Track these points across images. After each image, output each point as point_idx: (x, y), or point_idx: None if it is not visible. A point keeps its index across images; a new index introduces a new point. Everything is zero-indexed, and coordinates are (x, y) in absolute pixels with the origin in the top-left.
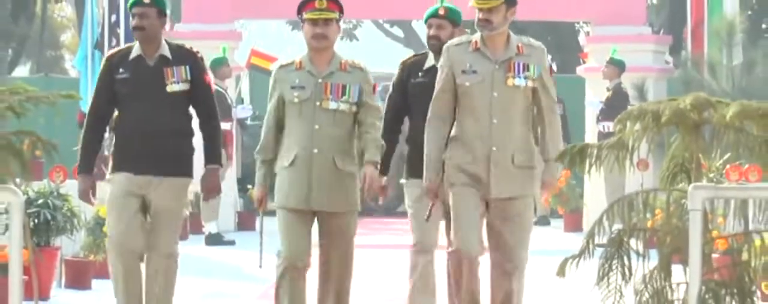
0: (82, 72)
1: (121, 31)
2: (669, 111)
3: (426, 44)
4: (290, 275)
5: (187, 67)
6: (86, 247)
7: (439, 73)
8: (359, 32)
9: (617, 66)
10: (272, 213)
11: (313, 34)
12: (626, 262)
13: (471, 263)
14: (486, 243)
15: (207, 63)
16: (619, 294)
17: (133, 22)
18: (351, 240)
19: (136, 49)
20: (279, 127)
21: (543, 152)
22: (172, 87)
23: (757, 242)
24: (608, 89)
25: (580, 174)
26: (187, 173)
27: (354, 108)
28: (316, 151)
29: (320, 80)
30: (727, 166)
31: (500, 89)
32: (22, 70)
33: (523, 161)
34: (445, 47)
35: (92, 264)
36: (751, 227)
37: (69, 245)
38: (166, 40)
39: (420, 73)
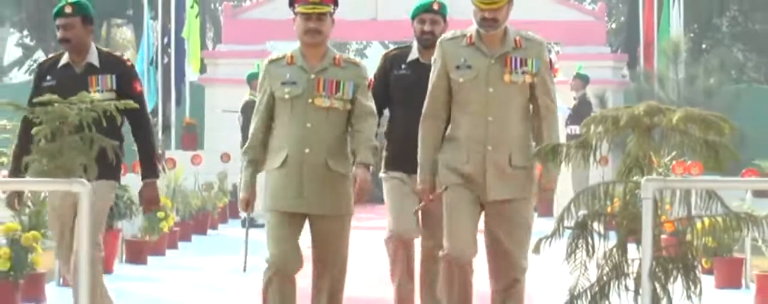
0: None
1: (172, 50)
2: (626, 116)
3: (416, 40)
4: (277, 280)
5: (113, 77)
6: (143, 229)
7: (432, 68)
8: (369, 51)
9: (582, 79)
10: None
11: (306, 29)
12: (590, 241)
13: (463, 268)
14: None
15: (244, 77)
16: (584, 268)
17: (58, 33)
18: (345, 245)
19: (66, 57)
20: (267, 126)
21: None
22: (95, 96)
23: (699, 225)
24: (575, 99)
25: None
26: (114, 177)
27: (348, 106)
28: (307, 151)
29: (313, 76)
30: (674, 162)
31: (496, 85)
32: None
33: (520, 161)
34: (438, 42)
35: (148, 243)
36: (693, 212)
37: (128, 228)
38: (98, 47)
39: (402, 66)
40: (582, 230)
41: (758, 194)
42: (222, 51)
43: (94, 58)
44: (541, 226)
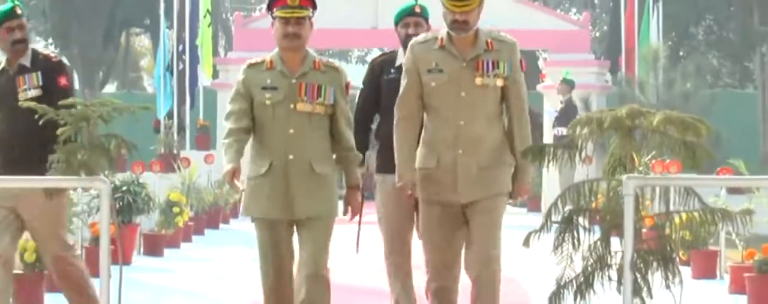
0: (156, 89)
1: (187, 57)
2: (609, 119)
3: (402, 44)
4: (275, 296)
5: (39, 73)
6: (159, 223)
7: (403, 72)
8: (370, 57)
9: (568, 84)
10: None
11: (285, 34)
12: (575, 235)
13: (448, 294)
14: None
15: None
16: (570, 260)
17: (13, 35)
18: (326, 246)
19: (2, 62)
20: (249, 116)
21: (513, 152)
22: (24, 94)
23: (677, 220)
24: (561, 102)
25: (539, 168)
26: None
27: (330, 110)
28: (291, 157)
29: (294, 81)
30: (653, 161)
31: (468, 89)
32: (110, 88)
33: (491, 162)
34: (409, 45)
35: (164, 237)
36: (671, 208)
37: (146, 222)
38: (33, 49)
39: (392, 70)
40: (568, 224)
41: (732, 190)
42: (233, 58)
43: (27, 60)
44: (530, 221)
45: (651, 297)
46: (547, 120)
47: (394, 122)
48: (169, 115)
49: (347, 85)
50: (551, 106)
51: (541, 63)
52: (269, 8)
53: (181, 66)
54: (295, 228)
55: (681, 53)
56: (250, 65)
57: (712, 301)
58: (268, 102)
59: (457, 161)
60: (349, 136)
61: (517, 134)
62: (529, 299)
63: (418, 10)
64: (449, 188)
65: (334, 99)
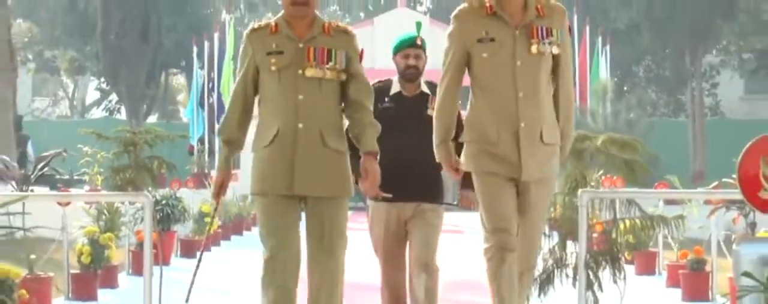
0: (190, 119)
1: (215, 92)
2: None
3: (399, 74)
4: (276, 287)
5: None
6: (193, 231)
7: (447, 45)
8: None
9: None
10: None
11: (293, 1)
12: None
13: (508, 258)
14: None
15: None
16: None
17: None
18: (343, 230)
19: None
20: (246, 104)
21: (562, 126)
22: None
23: (622, 226)
24: None
25: None
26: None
27: (342, 76)
28: (301, 125)
29: (301, 45)
30: (603, 177)
31: (523, 58)
32: (152, 118)
33: (550, 138)
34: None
35: (197, 241)
36: (618, 216)
37: (182, 230)
38: None
39: (386, 99)
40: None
41: (668, 202)
42: None
43: None
44: None
45: (601, 291)
46: None
47: (438, 100)
48: (201, 141)
49: (361, 52)
50: None
51: None
52: None
53: (210, 100)
54: (303, 207)
55: (625, 88)
56: (254, 30)
57: (652, 294)
58: (273, 68)
59: (519, 133)
60: (366, 100)
61: (562, 105)
62: None
63: (419, 42)
64: (512, 164)
65: (347, 63)
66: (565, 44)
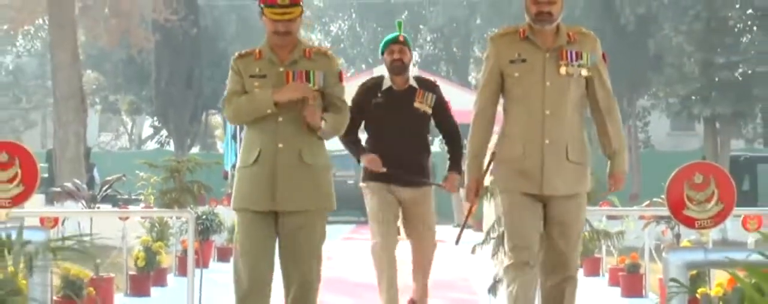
0: (225, 150)
1: (244, 129)
2: None
3: (387, 69)
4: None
5: None
6: (227, 240)
7: (483, 66)
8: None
9: None
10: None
11: (276, 31)
12: (505, 247)
13: (527, 274)
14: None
15: None
16: (501, 263)
17: None
18: (317, 246)
19: None
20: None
21: (607, 145)
22: None
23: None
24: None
25: (481, 199)
26: None
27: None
28: (281, 145)
29: (282, 69)
30: None
31: (553, 79)
32: (195, 149)
33: (576, 156)
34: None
35: (231, 249)
36: None
37: (218, 239)
38: None
39: (379, 94)
40: (501, 239)
41: (610, 217)
42: None
43: None
44: (475, 237)
45: None
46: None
47: (473, 116)
48: (234, 168)
49: (340, 74)
50: None
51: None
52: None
53: (241, 134)
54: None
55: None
56: (240, 55)
57: (596, 291)
58: (256, 90)
59: (544, 151)
60: (342, 112)
61: (609, 128)
62: (475, 290)
63: (402, 39)
64: (534, 179)
65: (324, 83)
66: (601, 68)
